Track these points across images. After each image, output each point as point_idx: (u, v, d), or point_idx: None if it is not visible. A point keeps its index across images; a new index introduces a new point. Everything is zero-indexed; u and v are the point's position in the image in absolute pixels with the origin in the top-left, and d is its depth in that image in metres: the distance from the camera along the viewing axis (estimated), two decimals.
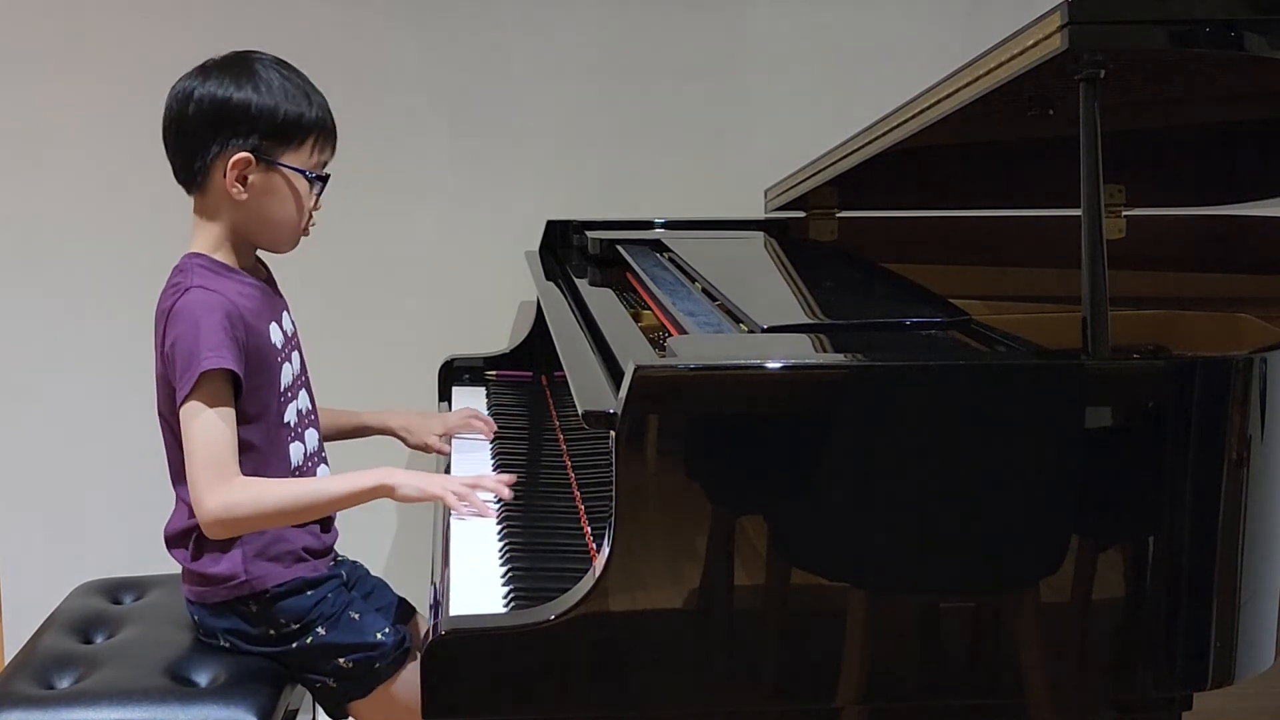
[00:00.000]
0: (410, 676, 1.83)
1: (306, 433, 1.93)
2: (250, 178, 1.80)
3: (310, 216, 1.88)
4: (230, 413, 1.76)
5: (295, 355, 1.93)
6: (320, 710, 1.92)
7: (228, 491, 1.72)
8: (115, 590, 2.10)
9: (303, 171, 1.82)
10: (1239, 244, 2.57)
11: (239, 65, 1.82)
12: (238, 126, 1.78)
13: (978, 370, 1.56)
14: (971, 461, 1.52)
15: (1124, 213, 2.47)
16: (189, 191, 1.85)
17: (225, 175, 1.79)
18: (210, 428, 1.73)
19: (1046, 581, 1.54)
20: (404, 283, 2.72)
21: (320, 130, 1.84)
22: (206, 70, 1.82)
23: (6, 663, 1.96)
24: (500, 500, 1.81)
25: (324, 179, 1.86)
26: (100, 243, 2.66)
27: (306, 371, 1.96)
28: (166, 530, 1.87)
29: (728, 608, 1.51)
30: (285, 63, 1.86)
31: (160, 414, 1.84)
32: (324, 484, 1.84)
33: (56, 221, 2.65)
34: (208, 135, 1.79)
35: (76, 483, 2.72)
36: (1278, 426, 1.57)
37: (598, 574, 1.47)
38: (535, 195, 2.72)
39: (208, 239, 1.84)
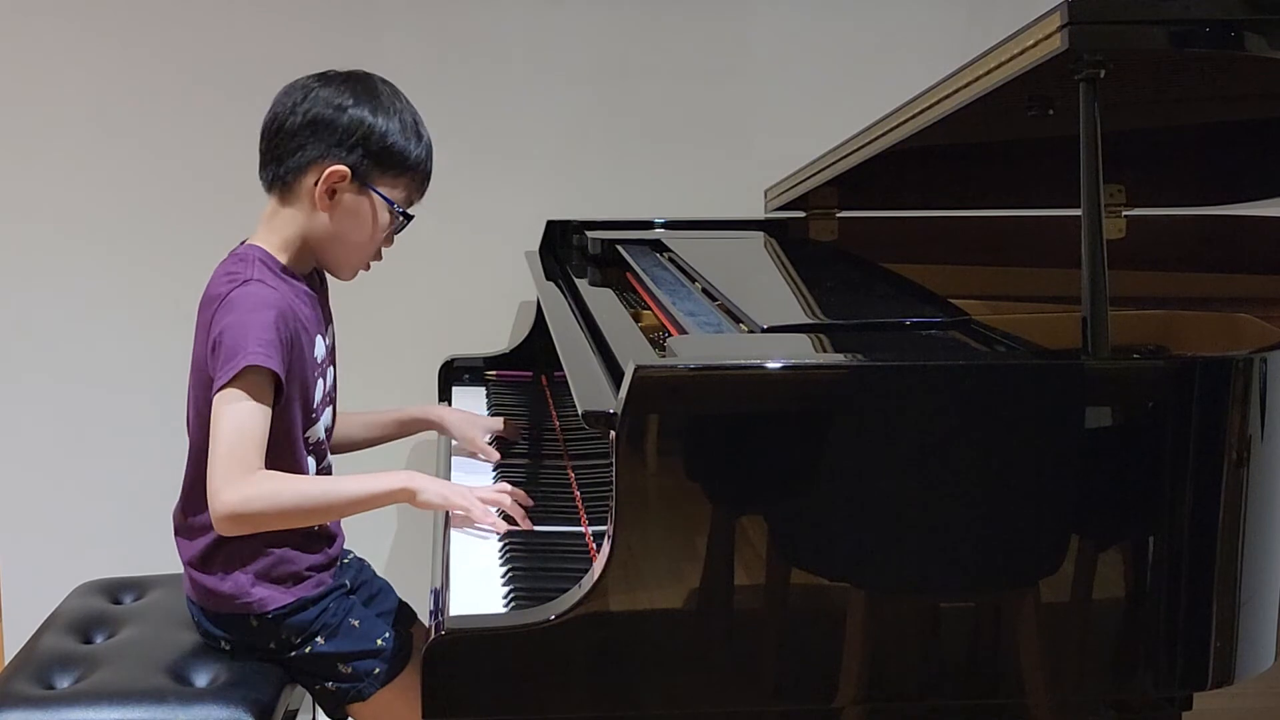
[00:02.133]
0: (410, 680, 1.82)
1: (325, 451, 1.92)
2: (339, 193, 1.79)
3: (379, 254, 1.88)
4: (266, 410, 1.71)
5: (330, 371, 1.92)
6: (320, 711, 1.92)
7: (245, 485, 1.67)
8: (115, 590, 2.09)
9: (391, 203, 1.82)
10: (1239, 244, 2.57)
11: (363, 82, 1.82)
12: (346, 140, 1.78)
13: (978, 370, 1.56)
14: (971, 461, 1.52)
15: (1124, 213, 2.47)
16: (269, 189, 1.83)
17: (317, 184, 1.78)
18: (241, 419, 1.68)
19: (1046, 581, 1.54)
20: (404, 283, 2.72)
21: (419, 172, 1.84)
22: (327, 78, 1.81)
23: (6, 663, 1.96)
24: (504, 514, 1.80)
25: (407, 218, 1.86)
26: (101, 244, 2.65)
27: (336, 390, 1.95)
28: (175, 518, 1.86)
29: (728, 608, 1.51)
30: (404, 95, 1.86)
31: (190, 403, 1.81)
32: (343, 484, 1.78)
33: (56, 224, 2.65)
34: (309, 139, 1.78)
35: (76, 483, 2.72)
36: (1278, 426, 1.57)
37: (598, 574, 1.47)
38: (535, 195, 2.72)
39: (275, 239, 1.82)
